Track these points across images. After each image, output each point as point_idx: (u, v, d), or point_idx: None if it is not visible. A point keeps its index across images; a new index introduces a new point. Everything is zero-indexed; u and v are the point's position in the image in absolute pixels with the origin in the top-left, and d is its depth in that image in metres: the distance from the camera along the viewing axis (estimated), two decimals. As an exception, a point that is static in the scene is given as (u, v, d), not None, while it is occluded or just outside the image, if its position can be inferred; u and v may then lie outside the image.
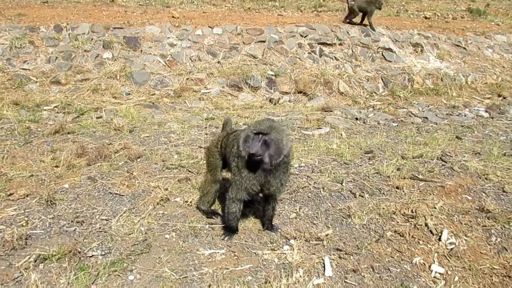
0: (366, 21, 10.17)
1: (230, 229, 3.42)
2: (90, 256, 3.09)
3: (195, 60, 8.52)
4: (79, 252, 3.10)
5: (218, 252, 3.21)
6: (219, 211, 3.80)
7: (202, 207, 3.71)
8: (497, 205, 3.99)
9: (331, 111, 7.13)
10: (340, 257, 3.23)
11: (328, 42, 9.49)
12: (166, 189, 4.11)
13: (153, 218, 3.63)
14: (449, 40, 10.57)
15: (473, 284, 3.02)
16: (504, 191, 4.28)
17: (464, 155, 5.22)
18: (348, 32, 9.87)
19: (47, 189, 3.95)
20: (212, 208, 3.75)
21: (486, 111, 7.57)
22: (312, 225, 3.64)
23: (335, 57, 9.23)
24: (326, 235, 3.49)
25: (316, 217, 3.77)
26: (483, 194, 4.23)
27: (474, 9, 14.30)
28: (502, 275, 3.11)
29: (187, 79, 8.01)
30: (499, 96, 8.72)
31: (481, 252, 3.36)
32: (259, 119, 3.21)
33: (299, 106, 7.62)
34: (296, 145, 5.39)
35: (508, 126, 6.69)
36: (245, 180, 3.12)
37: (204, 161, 3.92)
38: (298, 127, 6.23)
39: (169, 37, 8.84)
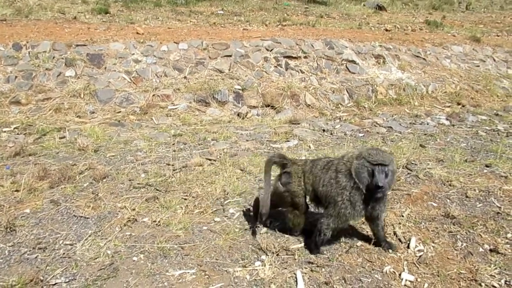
0: None
1: (319, 251, 3.45)
2: (53, 284, 2.95)
3: (161, 76, 8.43)
4: (41, 281, 2.96)
5: (188, 272, 3.13)
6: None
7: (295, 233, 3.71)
8: (461, 211, 4.11)
9: (299, 124, 7.20)
10: (312, 270, 3.23)
11: (294, 55, 9.62)
12: (134, 209, 4.01)
13: (120, 241, 3.51)
14: (409, 51, 10.94)
15: (442, 289, 3.07)
16: (467, 197, 4.42)
17: (428, 163, 5.36)
18: (312, 45, 10.05)
19: (7, 215, 3.76)
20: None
21: (447, 119, 7.84)
22: (284, 239, 3.63)
23: (300, 70, 9.36)
24: (298, 249, 3.48)
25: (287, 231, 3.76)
26: (448, 200, 4.35)
27: (432, 21, 14.92)
28: (469, 279, 3.19)
29: (154, 95, 7.91)
30: (458, 104, 9.06)
31: (448, 258, 3.43)
32: (370, 149, 3.23)
33: (267, 119, 7.66)
34: (266, 159, 5.39)
35: (467, 133, 6.95)
36: (357, 212, 3.20)
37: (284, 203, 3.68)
38: (267, 140, 6.25)
39: (134, 54, 8.72)
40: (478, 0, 21.35)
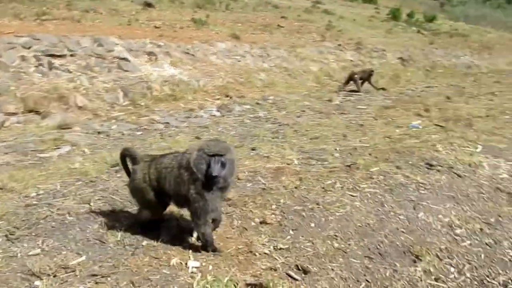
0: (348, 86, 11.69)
1: (213, 245, 3.47)
2: None
3: None
4: None
5: None
6: None
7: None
8: (235, 193, 4.51)
9: (70, 128, 6.65)
10: (96, 283, 3.02)
11: (58, 54, 8.78)
12: None
13: None
14: (179, 48, 11.42)
15: (224, 267, 3.32)
16: (239, 179, 4.88)
17: (204, 153, 5.71)
18: (79, 43, 9.37)
19: None
20: None
21: (218, 111, 8.56)
22: (61, 257, 3.28)
23: (68, 70, 8.62)
24: (78, 264, 3.21)
25: (65, 246, 3.42)
26: (226, 186, 4.73)
27: (197, 19, 15.88)
28: (246, 252, 3.54)
29: None
30: (227, 96, 9.99)
31: (227, 237, 3.73)
32: (209, 140, 3.41)
33: (31, 127, 6.76)
34: (32, 172, 4.76)
35: (236, 121, 7.75)
36: (211, 202, 3.26)
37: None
38: (32, 150, 5.53)
39: None
40: (236, 1, 23.86)
